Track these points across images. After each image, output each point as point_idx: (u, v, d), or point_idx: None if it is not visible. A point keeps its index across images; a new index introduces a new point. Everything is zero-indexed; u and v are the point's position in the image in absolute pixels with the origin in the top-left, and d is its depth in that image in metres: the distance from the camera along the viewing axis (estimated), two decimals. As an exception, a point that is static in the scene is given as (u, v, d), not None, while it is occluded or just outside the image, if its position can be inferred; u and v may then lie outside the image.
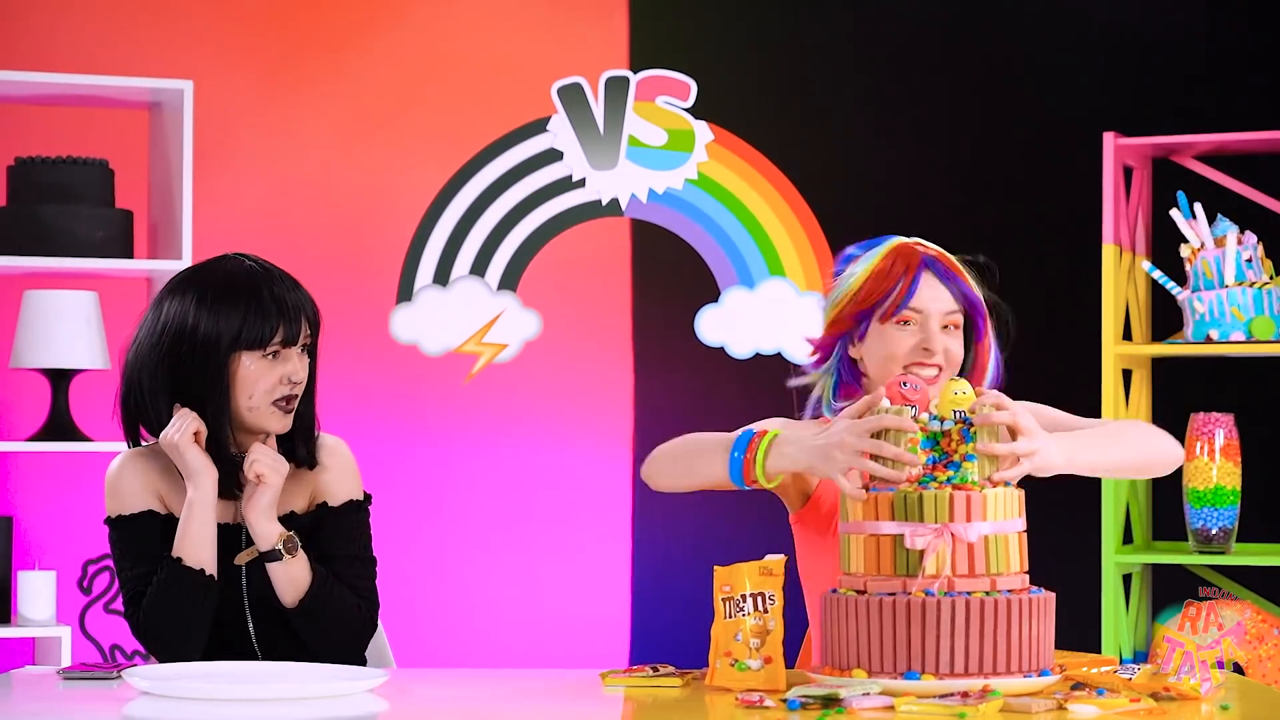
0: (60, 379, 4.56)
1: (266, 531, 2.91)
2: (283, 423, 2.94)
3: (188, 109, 4.55)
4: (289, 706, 2.50)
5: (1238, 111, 5.23)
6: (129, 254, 4.62)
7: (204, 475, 2.89)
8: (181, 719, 2.46)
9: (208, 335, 2.89)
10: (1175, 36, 5.38)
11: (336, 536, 2.99)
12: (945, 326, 2.96)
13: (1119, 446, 2.84)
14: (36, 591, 4.51)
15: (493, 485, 5.28)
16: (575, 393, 5.33)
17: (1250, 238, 4.72)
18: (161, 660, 2.90)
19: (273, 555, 2.91)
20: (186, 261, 4.52)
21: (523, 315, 5.31)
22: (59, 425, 4.55)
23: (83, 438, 4.56)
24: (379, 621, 3.04)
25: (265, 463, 2.90)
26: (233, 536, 2.96)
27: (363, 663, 3.01)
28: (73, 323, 4.52)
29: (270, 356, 2.92)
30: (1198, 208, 4.74)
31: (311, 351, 2.98)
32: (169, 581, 2.87)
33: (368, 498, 3.05)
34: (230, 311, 2.89)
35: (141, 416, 2.96)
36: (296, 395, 2.94)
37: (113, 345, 4.65)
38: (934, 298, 2.96)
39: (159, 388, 2.92)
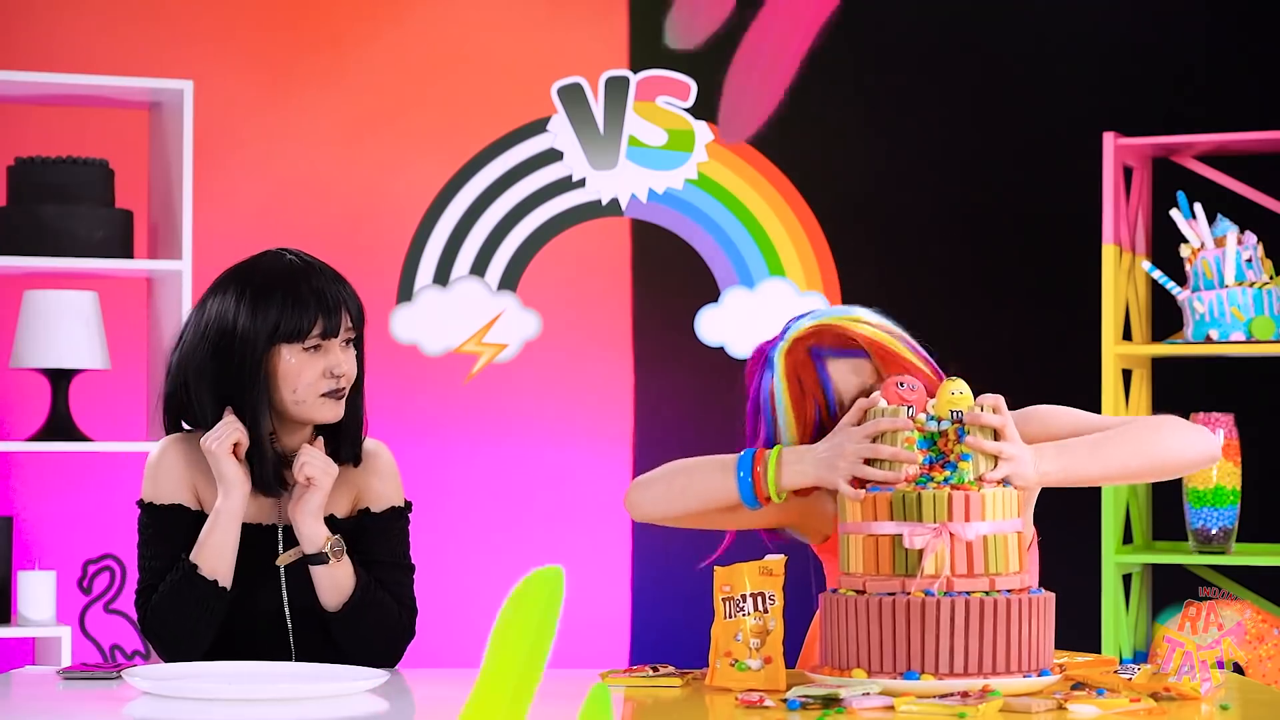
0: (60, 379, 4.56)
1: (314, 534, 2.89)
2: (334, 411, 2.92)
3: (188, 109, 4.55)
4: (289, 706, 2.50)
5: (1238, 111, 5.22)
6: (129, 254, 4.62)
7: (236, 487, 2.88)
8: (181, 719, 2.46)
9: (247, 330, 2.88)
10: (1175, 36, 5.37)
11: (378, 542, 2.99)
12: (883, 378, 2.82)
13: (1119, 449, 2.73)
14: (36, 591, 4.51)
15: (493, 485, 5.28)
16: (575, 393, 5.33)
17: (1250, 238, 4.72)
18: (162, 657, 2.90)
19: (319, 558, 2.89)
20: (186, 262, 4.52)
21: (523, 315, 5.31)
22: (59, 425, 4.55)
23: (83, 438, 4.55)
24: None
25: (316, 465, 2.89)
26: (270, 538, 2.95)
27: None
28: (73, 323, 4.52)
29: (311, 350, 2.90)
30: (1198, 208, 4.74)
31: (358, 345, 2.97)
32: (182, 585, 2.86)
33: (408, 505, 3.05)
34: (269, 306, 2.88)
35: (186, 415, 2.95)
36: (344, 388, 2.92)
37: (113, 345, 4.65)
38: (853, 370, 2.84)
39: (205, 387, 2.91)
